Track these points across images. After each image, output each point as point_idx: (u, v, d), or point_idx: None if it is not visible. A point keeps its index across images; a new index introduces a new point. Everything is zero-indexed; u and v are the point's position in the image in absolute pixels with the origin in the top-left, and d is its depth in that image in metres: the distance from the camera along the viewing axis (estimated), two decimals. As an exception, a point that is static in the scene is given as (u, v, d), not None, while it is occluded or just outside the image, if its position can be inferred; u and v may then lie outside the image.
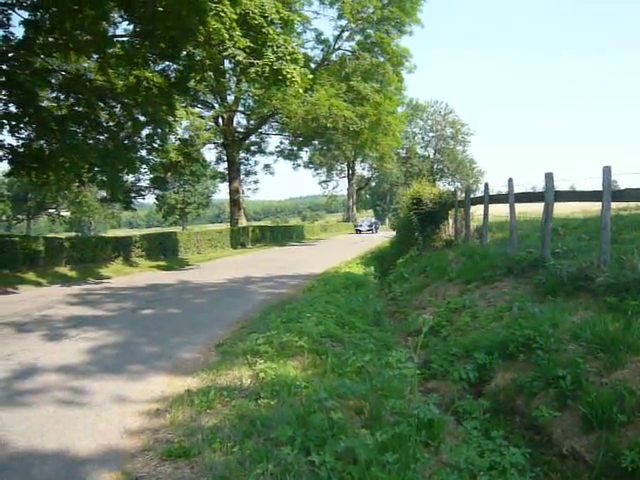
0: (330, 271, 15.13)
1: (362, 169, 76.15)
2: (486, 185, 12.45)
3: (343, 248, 27.89)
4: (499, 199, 11.86)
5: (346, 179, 71.46)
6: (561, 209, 10.05)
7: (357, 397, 4.42)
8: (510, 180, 10.34)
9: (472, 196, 14.35)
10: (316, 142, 39.39)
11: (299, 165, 46.47)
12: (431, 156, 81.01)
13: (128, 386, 5.18)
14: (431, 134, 79.83)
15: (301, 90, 16.37)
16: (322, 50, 36.25)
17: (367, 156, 51.77)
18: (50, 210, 57.29)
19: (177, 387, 5.11)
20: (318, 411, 3.82)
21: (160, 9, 12.26)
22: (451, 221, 16.24)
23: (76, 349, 6.57)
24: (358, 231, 56.87)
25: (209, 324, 8.17)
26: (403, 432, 3.64)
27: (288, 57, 14.68)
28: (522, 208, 10.87)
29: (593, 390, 4.38)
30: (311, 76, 17.54)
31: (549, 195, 8.53)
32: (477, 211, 13.92)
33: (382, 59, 34.43)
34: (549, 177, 8.53)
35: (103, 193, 29.21)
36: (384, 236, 30.31)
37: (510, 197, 10.30)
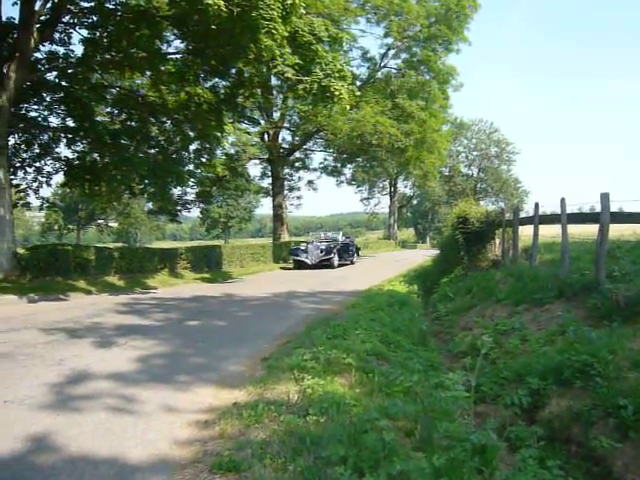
0: (373, 288, 15.01)
1: (404, 187, 75.67)
2: (536, 205, 12.17)
3: (385, 265, 27.68)
4: (550, 219, 11.58)
5: (388, 197, 71.09)
6: (610, 231, 9.74)
7: (408, 418, 4.33)
8: (562, 200, 10.08)
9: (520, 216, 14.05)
10: (360, 159, 39.33)
11: (342, 182, 46.39)
12: (475, 175, 80.00)
13: (176, 396, 5.20)
14: (475, 153, 78.91)
15: (348, 107, 16.43)
16: (368, 68, 36.38)
17: (410, 174, 51.28)
18: (99, 221, 59.02)
19: (224, 399, 5.09)
20: (370, 431, 3.75)
21: (213, 27, 12.52)
22: (498, 241, 15.97)
23: (125, 357, 6.65)
24: (298, 262, 25.93)
25: (254, 337, 8.17)
26: (458, 457, 3.54)
27: (336, 74, 14.77)
28: (569, 230, 10.58)
29: (658, 422, 4.17)
30: (358, 93, 17.59)
31: (605, 216, 8.24)
32: (523, 232, 13.67)
33: (428, 77, 34.29)
34: (605, 197, 8.26)
35: (150, 205, 29.92)
36: (425, 255, 29.94)
37: (563, 217, 10.03)
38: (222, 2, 11.02)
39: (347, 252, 28.04)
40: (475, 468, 3.68)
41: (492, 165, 78.31)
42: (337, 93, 14.56)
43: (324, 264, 25.20)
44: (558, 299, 8.73)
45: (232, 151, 25.96)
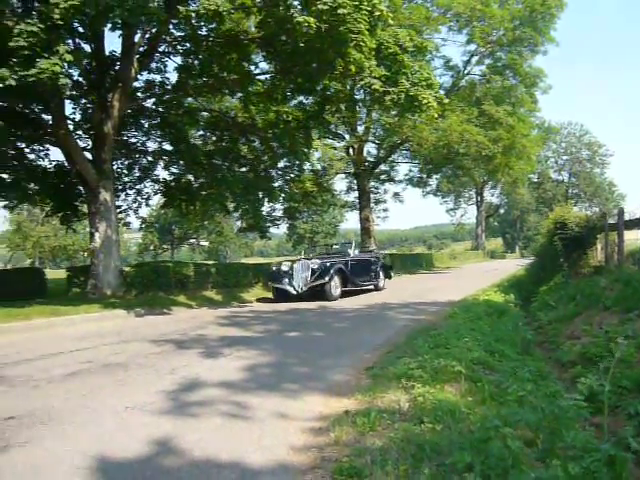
0: (468, 298, 14.67)
1: (491, 196, 73.69)
2: (645, 206, 11.48)
3: (475, 276, 27.04)
4: (660, 221, 10.88)
5: (474, 206, 69.51)
6: None
7: (528, 427, 4.16)
8: (676, 199, 9.45)
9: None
10: (446, 169, 38.72)
11: (428, 193, 45.76)
12: (565, 180, 76.70)
13: (286, 404, 5.27)
14: (565, 157, 75.84)
15: (436, 115, 16.31)
16: (451, 76, 35.93)
17: (498, 181, 49.83)
18: (191, 240, 61.74)
19: (334, 407, 5.10)
20: (494, 439, 3.64)
21: (301, 45, 12.84)
22: (599, 246, 15.19)
23: (232, 366, 6.85)
24: (278, 291, 16.96)
25: (354, 348, 8.18)
26: (589, 467, 3.36)
27: (423, 82, 14.71)
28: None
29: None
30: (447, 100, 17.43)
31: None
32: (627, 236, 12.96)
33: (514, 81, 33.47)
34: None
35: (239, 224, 31.00)
36: (517, 264, 28.93)
37: (676, 218, 9.40)
38: (312, 19, 11.28)
39: (364, 274, 18.86)
40: (605, 480, 3.48)
41: (584, 169, 74.83)
42: (425, 101, 14.49)
43: (317, 287, 16.37)
44: (675, 305, 8.17)
45: (319, 166, 26.41)
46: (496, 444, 3.57)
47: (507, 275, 23.99)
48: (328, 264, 16.66)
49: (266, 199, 19.08)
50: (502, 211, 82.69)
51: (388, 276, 20.82)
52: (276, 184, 20.33)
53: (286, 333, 9.86)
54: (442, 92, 31.11)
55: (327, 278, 16.09)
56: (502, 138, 30.53)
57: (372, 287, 19.36)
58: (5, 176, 15.11)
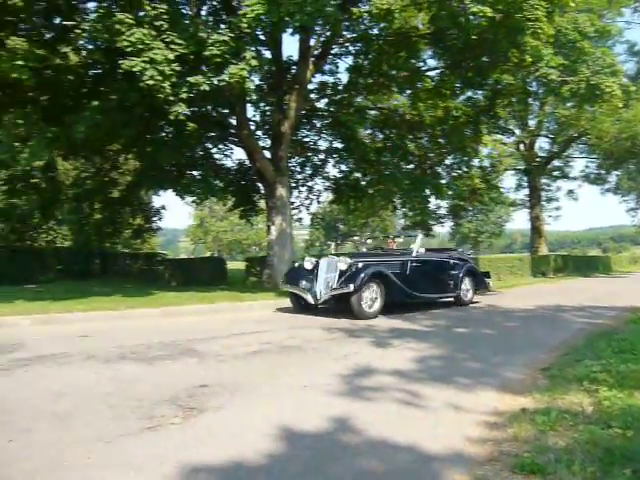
0: (655, 305, 13.35)
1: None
2: None
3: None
4: None
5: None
6: None
7: None
8: None
9: None
10: (628, 164, 35.29)
11: (607, 190, 41.80)
12: None
13: (459, 396, 5.25)
14: None
15: (620, 105, 15.05)
16: (637, 62, 32.77)
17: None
18: (354, 237, 63.49)
19: (509, 404, 4.99)
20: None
21: (474, 37, 12.58)
22: None
23: (402, 357, 6.98)
24: (295, 298, 12.02)
25: (526, 347, 7.90)
26: None
27: (607, 70, 13.68)
28: None
29: None
30: (633, 88, 15.98)
31: None
32: None
33: None
34: None
35: (401, 222, 31.00)
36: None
37: None
38: (488, 9, 10.97)
39: (435, 281, 13.11)
40: None
41: None
42: (608, 90, 13.44)
43: (347, 302, 10.96)
44: None
45: (486, 163, 25.70)
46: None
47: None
48: (361, 264, 11.29)
49: (433, 196, 19.03)
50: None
51: (483, 286, 14.73)
52: (443, 181, 20.15)
53: (454, 329, 9.80)
54: (626, 80, 28.57)
55: (353, 286, 10.69)
56: (697, 128, 27.12)
57: (452, 300, 13.73)
58: (195, 173, 16.76)
